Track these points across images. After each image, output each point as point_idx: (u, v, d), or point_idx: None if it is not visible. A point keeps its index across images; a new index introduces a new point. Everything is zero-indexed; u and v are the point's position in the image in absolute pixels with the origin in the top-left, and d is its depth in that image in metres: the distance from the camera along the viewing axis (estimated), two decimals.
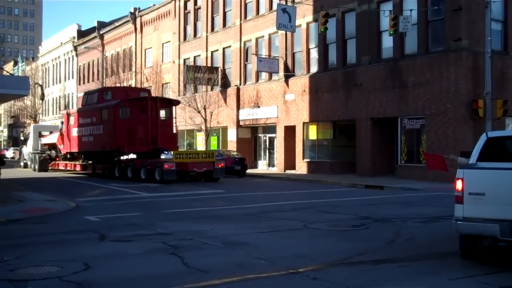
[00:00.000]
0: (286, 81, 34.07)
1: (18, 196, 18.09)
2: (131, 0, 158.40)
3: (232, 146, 37.47)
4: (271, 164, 36.99)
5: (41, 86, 59.92)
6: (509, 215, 7.43)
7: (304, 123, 32.91)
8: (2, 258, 8.50)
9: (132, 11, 53.77)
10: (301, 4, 31.09)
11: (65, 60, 71.94)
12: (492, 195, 7.57)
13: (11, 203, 16.15)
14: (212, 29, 41.42)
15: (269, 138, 37.22)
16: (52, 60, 76.61)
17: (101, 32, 60.44)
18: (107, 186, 24.03)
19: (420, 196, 18.82)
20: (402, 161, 26.96)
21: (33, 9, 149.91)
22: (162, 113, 29.59)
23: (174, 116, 30.51)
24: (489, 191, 7.60)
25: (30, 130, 43.65)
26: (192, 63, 42.43)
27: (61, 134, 35.15)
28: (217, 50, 40.81)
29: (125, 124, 28.12)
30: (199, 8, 42.93)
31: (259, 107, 36.06)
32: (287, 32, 31.83)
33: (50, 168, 36.17)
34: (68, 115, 33.96)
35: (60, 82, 73.61)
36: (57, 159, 36.28)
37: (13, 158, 66.32)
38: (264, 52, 35.94)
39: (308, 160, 32.72)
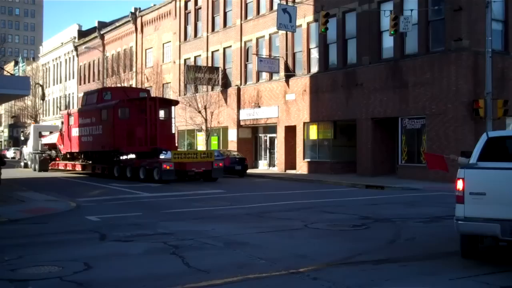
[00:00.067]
0: (287, 81, 34.07)
1: (19, 196, 18.12)
2: (132, 0, 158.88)
3: (232, 146, 37.47)
4: (271, 164, 36.98)
5: (42, 86, 60.02)
6: (510, 215, 7.44)
7: (304, 123, 32.90)
8: (3, 258, 8.50)
9: (133, 11, 53.74)
10: (301, 4, 31.08)
11: (66, 60, 71.95)
12: (493, 195, 7.58)
13: (12, 203, 16.18)
14: (213, 29, 41.42)
15: (270, 138, 37.21)
16: (53, 60, 76.62)
17: (101, 32, 60.44)
18: (107, 186, 24.04)
19: (420, 196, 18.80)
20: (403, 161, 26.95)
21: (34, 9, 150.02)
22: (161, 113, 29.70)
23: (173, 116, 30.57)
24: (490, 191, 7.61)
25: (30, 130, 43.70)
26: (192, 63, 42.42)
27: (61, 134, 35.28)
28: (217, 50, 40.81)
29: (124, 124, 28.19)
30: (200, 8, 42.92)
31: (259, 107, 36.04)
32: (288, 32, 31.83)
33: (50, 168, 36.31)
34: (68, 115, 34.06)
35: (60, 82, 73.62)
36: (57, 159, 36.41)
37: (13, 158, 66.32)
38: (264, 52, 35.94)
39: (309, 160, 32.71)
